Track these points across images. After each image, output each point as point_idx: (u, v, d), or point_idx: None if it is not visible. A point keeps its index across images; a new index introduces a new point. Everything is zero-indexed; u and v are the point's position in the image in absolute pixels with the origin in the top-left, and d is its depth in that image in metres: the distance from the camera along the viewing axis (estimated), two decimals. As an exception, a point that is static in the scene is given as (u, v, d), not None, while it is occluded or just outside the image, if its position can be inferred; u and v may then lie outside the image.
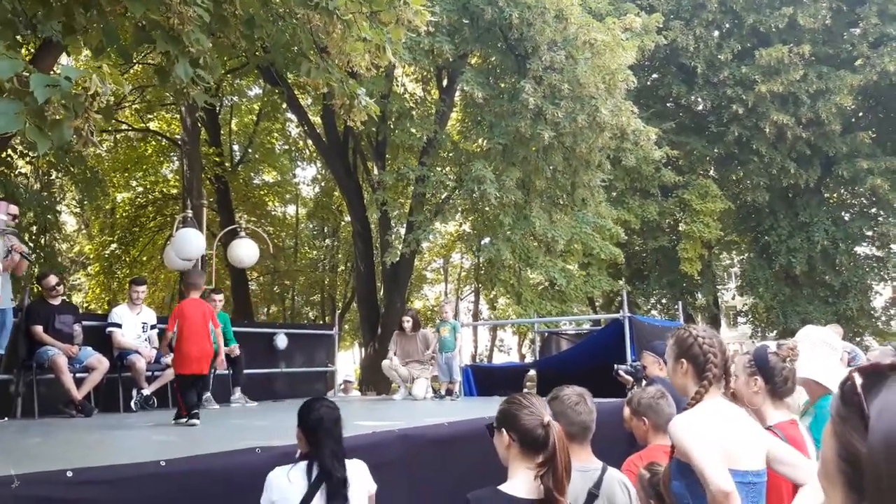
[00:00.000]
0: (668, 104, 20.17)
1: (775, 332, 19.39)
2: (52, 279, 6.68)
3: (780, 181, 18.37)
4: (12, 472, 2.53)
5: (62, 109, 2.90)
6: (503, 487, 2.14)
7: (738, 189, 20.40)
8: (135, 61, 13.75)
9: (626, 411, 3.42)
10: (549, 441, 2.09)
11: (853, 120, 18.95)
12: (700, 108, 20.17)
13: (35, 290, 8.37)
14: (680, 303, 14.01)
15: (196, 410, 5.04)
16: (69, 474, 2.69)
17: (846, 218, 19.72)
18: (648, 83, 19.55)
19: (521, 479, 2.13)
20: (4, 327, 5.70)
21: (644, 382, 4.90)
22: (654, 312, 22.34)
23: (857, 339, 18.33)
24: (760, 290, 19.10)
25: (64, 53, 7.81)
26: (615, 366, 6.19)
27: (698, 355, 2.23)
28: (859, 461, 0.70)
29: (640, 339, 7.80)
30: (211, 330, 5.24)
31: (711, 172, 20.63)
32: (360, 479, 2.82)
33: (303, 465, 2.73)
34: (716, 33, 18.45)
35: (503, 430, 2.21)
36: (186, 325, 5.10)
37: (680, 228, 18.53)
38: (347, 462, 2.81)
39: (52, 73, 7.32)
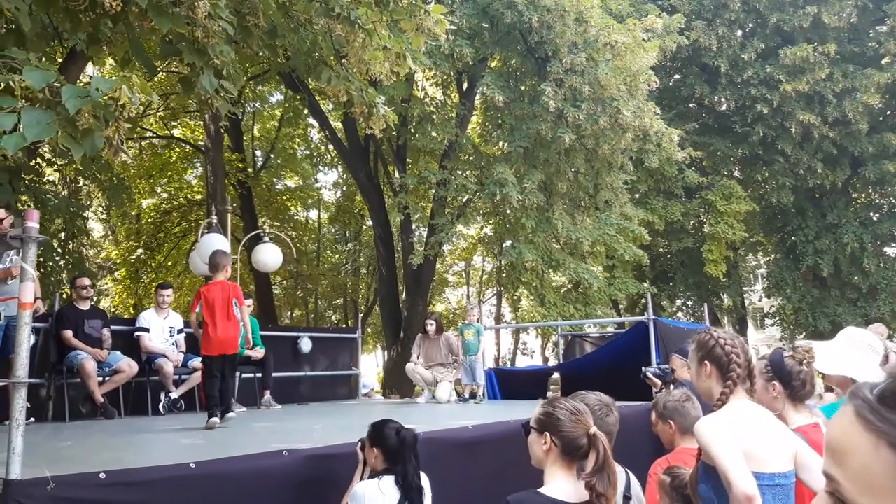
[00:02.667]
0: (690, 105, 19.99)
1: (804, 334, 19.11)
2: (85, 280, 6.87)
3: (806, 182, 18.12)
4: (47, 474, 2.59)
5: (93, 119, 2.97)
6: (545, 491, 2.14)
7: (763, 190, 20.15)
8: (159, 69, 13.96)
9: (653, 415, 3.41)
10: (597, 450, 2.14)
11: (881, 119, 18.64)
12: (724, 108, 19.96)
13: (64, 295, 8.50)
14: (706, 305, 13.87)
15: (215, 408, 4.96)
16: (102, 476, 2.74)
17: (874, 218, 19.37)
18: (671, 84, 19.39)
19: (562, 483, 2.14)
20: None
21: (672, 386, 4.87)
22: (679, 315, 22.14)
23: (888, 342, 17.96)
24: (788, 291, 18.84)
25: (90, 63, 7.97)
26: (643, 368, 6.12)
27: (721, 356, 2.23)
28: None
29: (665, 341, 7.73)
30: (236, 309, 5.19)
31: (736, 173, 20.40)
32: (429, 490, 3.12)
33: (390, 478, 2.98)
34: (739, 33, 18.24)
35: (546, 433, 2.21)
36: (207, 307, 5.08)
37: (704, 230, 18.35)
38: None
39: (78, 81, 7.47)
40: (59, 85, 2.93)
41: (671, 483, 2.65)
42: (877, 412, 0.74)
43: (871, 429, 0.74)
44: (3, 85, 2.99)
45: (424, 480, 3.12)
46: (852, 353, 2.96)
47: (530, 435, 2.28)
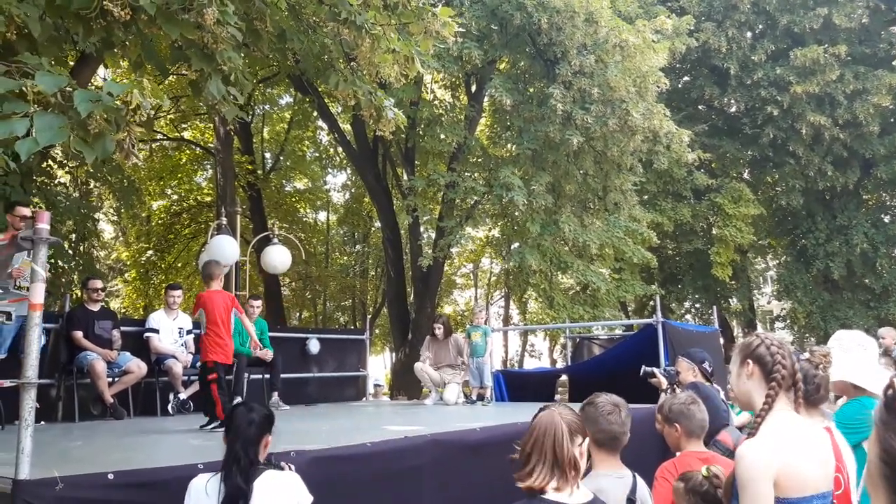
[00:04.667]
0: (700, 106, 19.90)
1: (814, 337, 18.98)
2: (98, 282, 6.93)
3: (816, 184, 18.00)
4: (56, 475, 2.61)
5: (105, 123, 3.00)
6: (548, 496, 2.12)
7: (773, 192, 20.02)
8: (170, 72, 14.04)
9: (658, 417, 3.40)
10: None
11: (892, 120, 18.51)
12: (733, 110, 19.86)
13: (74, 296, 8.55)
14: (714, 307, 13.81)
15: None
16: (110, 477, 2.76)
17: (886, 220, 19.23)
18: (680, 85, 19.30)
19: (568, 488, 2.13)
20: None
21: (679, 388, 4.85)
22: (687, 317, 22.05)
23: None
24: (798, 294, 18.70)
25: (101, 65, 8.04)
26: (643, 367, 6.02)
27: (764, 355, 2.12)
28: None
29: (673, 344, 7.71)
30: (234, 318, 5.30)
31: (745, 175, 20.30)
32: (282, 493, 2.54)
33: (219, 475, 2.52)
34: (749, 34, 18.15)
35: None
36: (215, 314, 5.16)
37: (713, 232, 18.27)
38: (274, 473, 2.59)
39: (90, 84, 7.53)
40: (70, 89, 2.96)
41: (685, 487, 2.65)
42: (880, 414, 0.78)
43: (875, 429, 0.80)
44: (16, 90, 3.03)
45: (282, 481, 2.55)
46: (848, 357, 2.97)
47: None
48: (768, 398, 2.07)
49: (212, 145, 18.11)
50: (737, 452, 2.07)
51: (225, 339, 5.18)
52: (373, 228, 23.87)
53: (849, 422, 2.94)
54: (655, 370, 5.91)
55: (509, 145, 14.70)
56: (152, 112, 3.20)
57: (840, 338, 3.16)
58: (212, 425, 5.06)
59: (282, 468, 2.67)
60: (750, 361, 2.16)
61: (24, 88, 2.91)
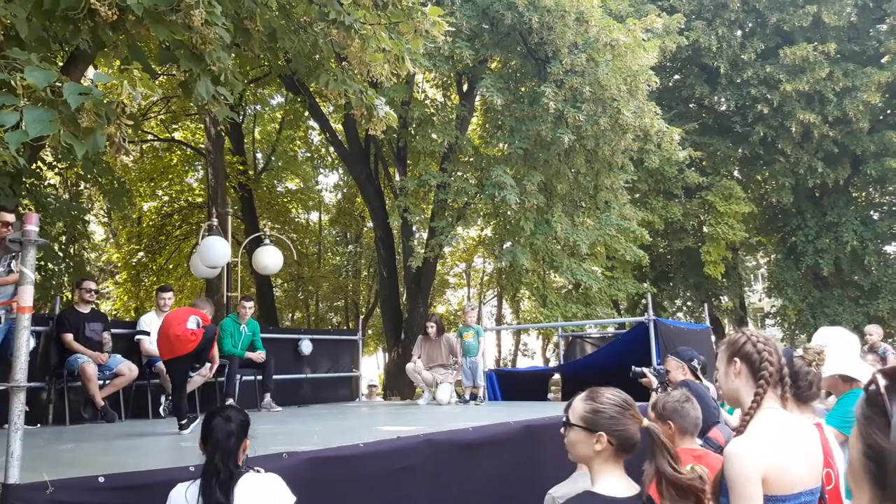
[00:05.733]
0: (690, 105, 19.98)
1: (804, 334, 19.08)
2: (91, 283, 6.89)
3: (806, 181, 18.11)
4: (46, 479, 2.59)
5: (95, 117, 2.97)
6: (600, 490, 2.05)
7: (764, 190, 20.11)
8: (160, 73, 13.98)
9: (651, 415, 3.40)
10: (656, 443, 2.06)
11: (881, 117, 18.64)
12: (723, 108, 19.94)
13: (65, 298, 8.50)
14: (706, 305, 13.86)
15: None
16: (101, 480, 2.74)
17: (875, 217, 19.35)
18: (671, 84, 19.38)
19: (616, 480, 2.07)
20: None
21: (669, 387, 4.86)
22: (679, 315, 22.12)
23: (889, 341, 17.94)
24: (789, 291, 18.80)
25: (91, 66, 7.99)
26: (633, 368, 6.01)
27: (751, 353, 2.11)
28: (884, 459, 0.72)
29: (665, 342, 7.73)
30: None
31: (736, 173, 20.39)
32: (264, 495, 2.55)
33: (199, 482, 2.51)
34: (739, 33, 18.24)
35: (601, 433, 2.09)
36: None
37: (705, 230, 18.34)
38: (254, 476, 2.59)
39: (81, 82, 7.46)
40: (60, 84, 2.93)
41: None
42: (862, 409, 0.78)
43: (857, 424, 0.81)
44: (6, 84, 3.00)
45: (265, 484, 2.56)
46: (835, 353, 3.01)
47: (573, 432, 2.16)
48: (756, 396, 2.06)
49: (203, 146, 18.03)
50: (725, 451, 2.06)
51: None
52: (365, 228, 23.85)
53: (847, 415, 2.95)
54: (645, 370, 5.91)
55: (501, 144, 14.69)
56: (142, 104, 3.17)
57: (824, 334, 3.20)
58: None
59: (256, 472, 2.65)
60: (737, 359, 2.14)
61: (13, 82, 2.88)
